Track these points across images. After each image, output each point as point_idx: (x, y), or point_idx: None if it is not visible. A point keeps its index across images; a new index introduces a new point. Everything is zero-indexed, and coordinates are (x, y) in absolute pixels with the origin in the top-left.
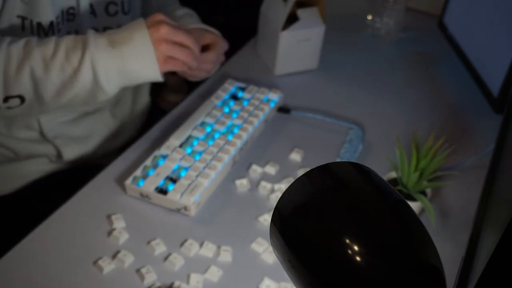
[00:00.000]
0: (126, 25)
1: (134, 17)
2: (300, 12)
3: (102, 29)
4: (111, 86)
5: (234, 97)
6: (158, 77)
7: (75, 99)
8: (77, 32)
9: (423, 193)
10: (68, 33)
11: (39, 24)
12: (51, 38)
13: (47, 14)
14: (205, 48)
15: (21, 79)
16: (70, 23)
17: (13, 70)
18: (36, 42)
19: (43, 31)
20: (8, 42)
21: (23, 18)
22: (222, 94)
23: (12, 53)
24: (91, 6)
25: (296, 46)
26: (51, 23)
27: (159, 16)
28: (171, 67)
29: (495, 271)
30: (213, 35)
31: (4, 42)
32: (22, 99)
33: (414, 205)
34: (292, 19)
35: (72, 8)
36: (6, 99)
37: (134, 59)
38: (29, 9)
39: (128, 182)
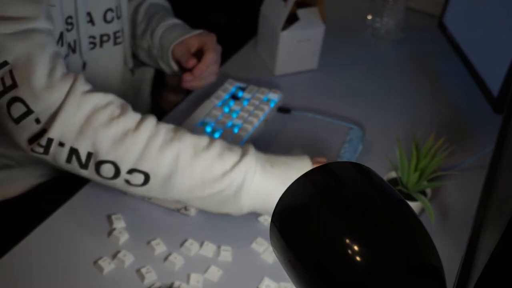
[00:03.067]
0: (292, 161)
1: (124, 21)
2: (300, 12)
3: (99, 37)
4: (248, 200)
5: (234, 97)
6: None
7: (201, 201)
8: (75, 43)
9: (423, 193)
10: (69, 44)
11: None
12: (205, 135)
13: (58, 25)
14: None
15: (162, 157)
16: (69, 33)
17: (157, 145)
18: (188, 132)
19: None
20: (155, 122)
21: None
22: (222, 94)
23: (160, 130)
24: (89, 14)
25: (296, 46)
26: (61, 34)
27: (324, 159)
28: None
29: (495, 271)
30: (210, 37)
31: (151, 118)
32: (147, 178)
33: (414, 205)
34: (292, 19)
35: (70, 17)
36: (131, 172)
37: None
38: None
39: None
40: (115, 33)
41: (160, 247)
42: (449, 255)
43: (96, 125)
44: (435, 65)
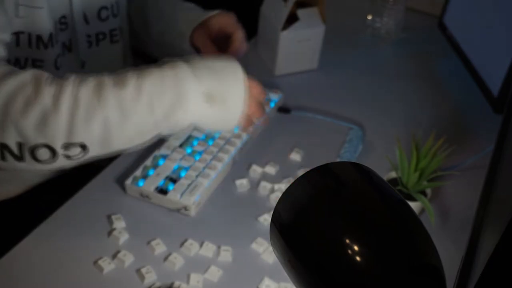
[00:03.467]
0: (225, 71)
1: (123, 18)
2: (300, 12)
3: (94, 35)
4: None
5: None
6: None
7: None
8: (71, 42)
9: (423, 193)
10: (63, 44)
11: (39, 37)
12: (129, 76)
13: (46, 26)
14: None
15: (91, 127)
16: (63, 33)
17: (81, 117)
18: (112, 83)
19: (43, 44)
20: (75, 82)
21: (18, 34)
22: None
23: (80, 100)
24: (84, 13)
25: (296, 46)
26: (51, 35)
27: (257, 89)
28: (243, 124)
29: (495, 271)
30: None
31: (68, 84)
32: (84, 147)
33: (414, 205)
34: (292, 19)
35: (64, 17)
36: (66, 147)
37: (223, 120)
38: (26, 23)
39: (128, 182)
40: (111, 31)
41: (160, 247)
42: (449, 255)
43: (13, 115)
44: (435, 65)
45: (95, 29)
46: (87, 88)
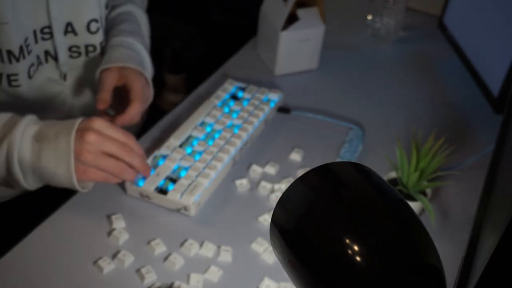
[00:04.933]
0: (63, 121)
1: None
2: (300, 12)
3: (84, 47)
4: (28, 180)
5: (234, 97)
6: (73, 186)
7: None
8: (55, 51)
9: (423, 193)
10: (46, 52)
11: (9, 52)
12: None
13: (15, 40)
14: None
15: None
16: (46, 42)
17: None
18: None
19: (15, 58)
20: None
21: None
22: (222, 94)
23: None
24: (70, 25)
25: (296, 46)
26: (21, 47)
27: (93, 122)
28: (93, 178)
29: (495, 271)
30: (136, 82)
31: None
32: None
33: (414, 205)
34: (292, 19)
35: (48, 27)
36: None
37: (51, 161)
38: None
39: (128, 182)
40: (101, 43)
41: (160, 247)
42: (449, 255)
43: None
44: (435, 65)
45: (84, 41)
46: None
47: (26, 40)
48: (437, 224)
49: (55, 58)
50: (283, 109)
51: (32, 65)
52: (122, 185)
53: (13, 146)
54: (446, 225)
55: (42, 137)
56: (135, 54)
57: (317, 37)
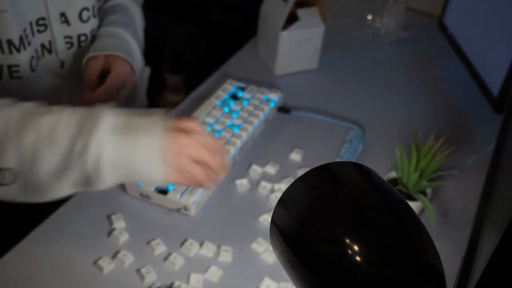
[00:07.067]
0: (147, 113)
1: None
2: (300, 12)
3: (76, 37)
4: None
5: (234, 97)
6: (161, 181)
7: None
8: (51, 43)
9: (423, 193)
10: (42, 45)
11: (10, 41)
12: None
13: (15, 30)
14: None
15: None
16: (42, 34)
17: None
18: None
19: (15, 48)
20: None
21: None
22: (222, 94)
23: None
24: (64, 14)
25: (296, 46)
26: (21, 37)
27: (187, 123)
28: (184, 181)
29: (495, 271)
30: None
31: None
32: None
33: (414, 205)
34: (292, 19)
35: (42, 18)
36: None
37: (144, 155)
38: None
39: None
40: (91, 31)
41: (160, 247)
42: (449, 255)
43: None
44: (435, 65)
45: (76, 30)
46: (13, 113)
47: (25, 30)
48: (437, 224)
49: (50, 51)
50: (283, 109)
51: (33, 57)
52: (122, 185)
53: (98, 141)
54: (446, 225)
55: (130, 129)
56: (123, 43)
57: (317, 37)
